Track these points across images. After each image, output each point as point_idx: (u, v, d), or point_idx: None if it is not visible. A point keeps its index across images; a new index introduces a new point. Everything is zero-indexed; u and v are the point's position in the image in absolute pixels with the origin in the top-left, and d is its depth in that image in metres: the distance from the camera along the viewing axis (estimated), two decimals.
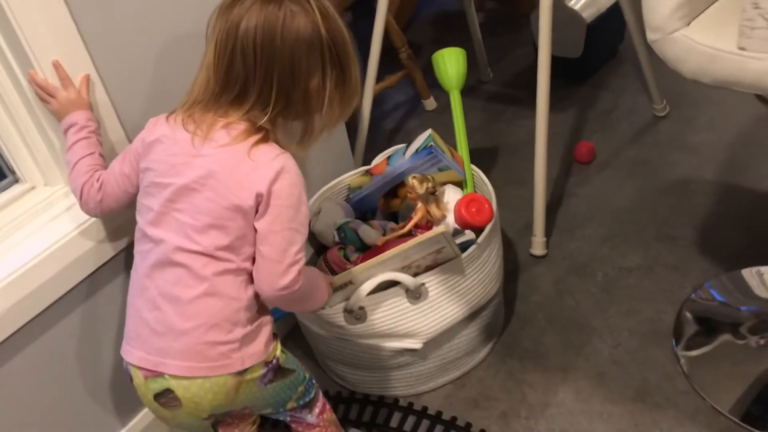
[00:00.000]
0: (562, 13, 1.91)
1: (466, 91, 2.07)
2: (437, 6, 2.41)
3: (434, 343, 1.26)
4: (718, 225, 1.51)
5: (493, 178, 1.77)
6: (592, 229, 1.56)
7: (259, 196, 0.89)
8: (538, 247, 1.53)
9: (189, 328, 0.90)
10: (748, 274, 1.39)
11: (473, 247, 1.23)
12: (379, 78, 1.82)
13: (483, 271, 1.27)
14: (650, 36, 0.97)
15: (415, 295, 1.20)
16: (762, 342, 1.26)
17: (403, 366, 1.29)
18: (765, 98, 1.78)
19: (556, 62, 1.98)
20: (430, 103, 2.02)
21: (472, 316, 1.29)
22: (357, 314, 1.19)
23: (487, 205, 1.28)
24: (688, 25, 0.95)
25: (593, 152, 1.74)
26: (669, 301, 1.38)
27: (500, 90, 2.06)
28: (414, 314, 1.22)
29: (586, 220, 1.59)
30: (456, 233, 1.29)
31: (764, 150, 1.66)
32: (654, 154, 1.72)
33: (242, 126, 0.92)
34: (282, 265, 0.90)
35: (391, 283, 1.19)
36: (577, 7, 1.90)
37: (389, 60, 1.91)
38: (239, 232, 0.91)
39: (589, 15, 1.90)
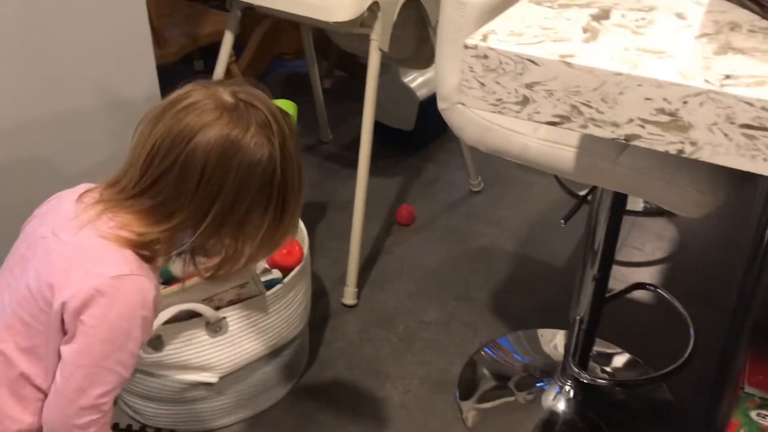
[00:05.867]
0: (398, 88, 2.07)
1: (306, 149, 2.18)
2: (290, 67, 2.52)
3: (231, 378, 1.28)
4: (510, 290, 1.67)
5: (319, 231, 1.87)
6: (400, 285, 1.67)
7: (65, 306, 0.76)
8: (349, 296, 1.61)
9: None
10: (533, 334, 1.55)
11: (279, 286, 1.28)
12: None
13: (287, 311, 1.32)
14: (440, 105, 1.11)
15: (215, 328, 1.23)
16: (529, 398, 1.39)
17: (198, 400, 1.29)
18: (563, 183, 2.02)
19: (390, 133, 2.15)
20: None
21: (272, 355, 1.33)
22: (153, 343, 1.20)
23: (297, 248, 1.35)
24: None
25: (413, 216, 1.87)
26: (459, 355, 1.49)
27: (337, 151, 2.17)
28: (212, 347, 1.24)
29: (396, 276, 1.70)
30: (264, 271, 1.34)
31: (557, 230, 1.86)
32: (464, 223, 1.88)
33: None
34: (74, 405, 0.77)
35: (192, 314, 1.21)
36: (412, 85, 2.07)
37: None
38: (44, 338, 0.79)
39: (422, 94, 2.08)
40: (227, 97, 0.80)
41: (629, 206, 1.89)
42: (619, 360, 1.49)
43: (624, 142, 0.61)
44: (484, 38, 0.64)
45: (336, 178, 2.05)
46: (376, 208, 1.90)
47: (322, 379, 1.43)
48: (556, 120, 0.63)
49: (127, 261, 0.79)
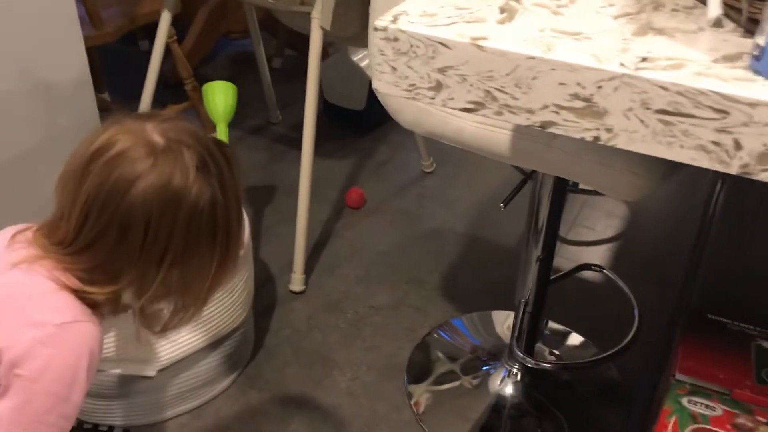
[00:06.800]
0: (348, 67, 2.02)
1: (254, 130, 2.13)
2: (237, 46, 2.46)
3: (171, 371, 1.25)
4: (462, 272, 1.66)
5: (266, 215, 1.82)
6: (350, 269, 1.64)
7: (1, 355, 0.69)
8: (296, 283, 1.57)
9: None
10: (487, 315, 1.54)
11: None
12: (164, 106, 1.81)
13: (228, 300, 1.28)
14: (374, 86, 1.07)
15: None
16: (475, 382, 1.38)
17: (137, 394, 1.25)
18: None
19: (341, 113, 2.10)
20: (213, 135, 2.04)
21: (213, 345, 1.29)
22: None
23: None
24: None
25: (363, 199, 1.84)
26: (408, 339, 1.47)
27: (287, 133, 2.13)
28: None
29: (346, 261, 1.67)
30: None
31: (509, 210, 1.84)
32: (416, 205, 1.86)
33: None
34: None
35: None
36: (362, 64, 2.02)
37: (182, 91, 1.91)
38: None
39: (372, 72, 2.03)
40: (157, 137, 0.73)
41: (581, 185, 1.89)
42: (569, 341, 1.49)
43: (540, 129, 0.58)
44: (395, 20, 0.61)
45: (284, 160, 2.00)
46: (326, 191, 1.86)
47: (267, 368, 1.40)
48: (471, 106, 0.60)
49: (70, 306, 0.72)
